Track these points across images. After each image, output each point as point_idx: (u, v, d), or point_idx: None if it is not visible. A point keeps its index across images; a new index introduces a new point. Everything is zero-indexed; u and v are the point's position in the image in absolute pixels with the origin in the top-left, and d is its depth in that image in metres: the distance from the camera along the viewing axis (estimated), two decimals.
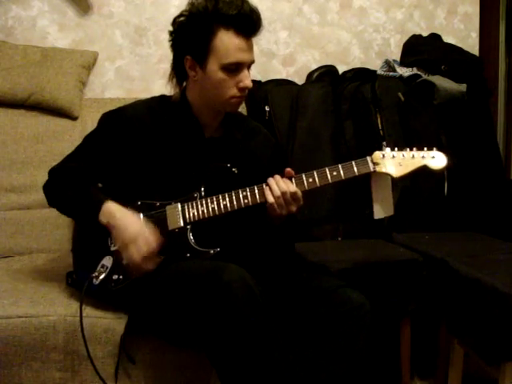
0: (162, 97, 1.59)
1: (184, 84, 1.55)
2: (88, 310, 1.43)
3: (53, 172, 1.56)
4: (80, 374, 1.43)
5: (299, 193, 1.42)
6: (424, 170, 1.45)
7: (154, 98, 1.60)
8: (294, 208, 1.43)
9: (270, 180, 1.43)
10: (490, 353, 1.59)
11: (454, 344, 1.82)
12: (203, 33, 1.41)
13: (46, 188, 1.56)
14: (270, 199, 1.40)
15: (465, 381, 1.86)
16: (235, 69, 1.43)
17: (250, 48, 1.45)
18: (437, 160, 1.43)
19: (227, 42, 1.40)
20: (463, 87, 2.31)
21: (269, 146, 1.66)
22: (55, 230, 2.03)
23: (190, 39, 1.44)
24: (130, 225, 1.40)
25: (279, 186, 1.41)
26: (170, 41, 1.49)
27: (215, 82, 1.44)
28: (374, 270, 1.76)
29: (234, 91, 1.45)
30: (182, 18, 1.45)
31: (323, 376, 1.37)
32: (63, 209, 1.55)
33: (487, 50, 2.70)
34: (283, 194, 1.40)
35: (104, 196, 1.46)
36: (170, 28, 1.48)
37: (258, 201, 1.43)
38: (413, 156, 1.43)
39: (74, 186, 1.49)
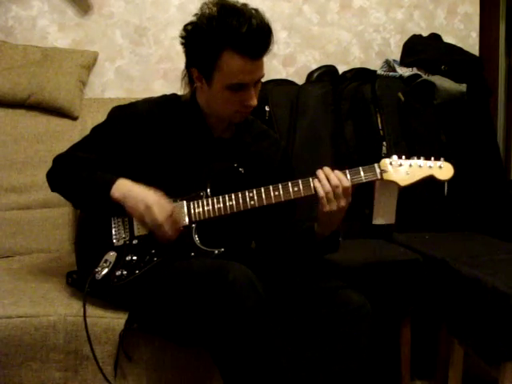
0: (174, 95, 1.58)
1: (195, 85, 1.52)
2: (88, 310, 1.42)
3: (58, 159, 1.55)
4: (80, 374, 1.43)
5: (350, 186, 1.39)
6: (430, 180, 1.44)
7: (165, 96, 1.59)
8: (343, 203, 1.39)
9: (319, 172, 1.40)
10: (490, 353, 1.59)
11: (454, 344, 1.82)
12: (209, 50, 1.36)
13: (51, 174, 1.54)
14: (321, 193, 1.38)
15: (465, 381, 1.86)
16: (240, 88, 1.39)
17: (257, 68, 1.39)
18: (444, 171, 1.42)
19: (232, 63, 1.35)
20: (463, 87, 2.31)
21: (278, 150, 1.64)
22: (55, 230, 2.03)
23: (196, 54, 1.41)
24: (149, 192, 1.41)
25: (330, 178, 1.38)
26: (181, 43, 1.44)
27: (219, 98, 1.43)
28: (374, 270, 1.76)
29: (237, 107, 1.43)
30: (189, 27, 1.40)
31: (324, 376, 1.37)
32: (69, 191, 1.53)
33: (487, 50, 2.70)
34: (335, 187, 1.37)
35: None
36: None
37: (265, 202, 1.42)
38: (420, 166, 1.42)
39: (82, 169, 1.48)
